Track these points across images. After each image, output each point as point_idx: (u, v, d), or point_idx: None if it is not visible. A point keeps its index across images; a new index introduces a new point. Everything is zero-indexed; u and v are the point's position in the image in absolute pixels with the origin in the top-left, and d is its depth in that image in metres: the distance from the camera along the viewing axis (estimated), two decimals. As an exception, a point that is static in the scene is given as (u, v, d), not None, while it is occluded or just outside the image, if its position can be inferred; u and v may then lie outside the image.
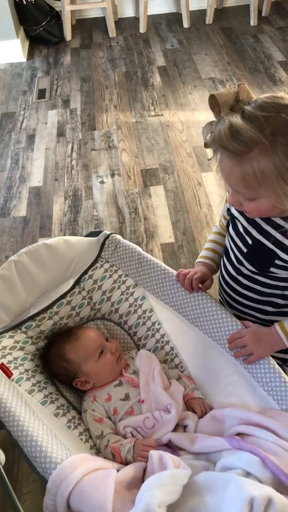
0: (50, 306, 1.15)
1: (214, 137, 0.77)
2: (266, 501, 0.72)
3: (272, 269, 0.94)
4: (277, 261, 0.92)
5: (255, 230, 0.94)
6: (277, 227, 0.89)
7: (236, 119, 0.74)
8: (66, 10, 3.28)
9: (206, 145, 0.80)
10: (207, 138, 0.79)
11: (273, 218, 0.90)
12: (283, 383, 0.93)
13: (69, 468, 0.78)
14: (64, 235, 2.03)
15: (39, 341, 1.15)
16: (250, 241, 0.96)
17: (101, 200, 2.21)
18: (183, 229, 2.04)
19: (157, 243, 1.99)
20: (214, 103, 0.78)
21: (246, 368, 0.99)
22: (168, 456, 0.84)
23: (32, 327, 1.14)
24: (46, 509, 0.80)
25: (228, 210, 1.01)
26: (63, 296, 1.17)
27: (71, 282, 1.19)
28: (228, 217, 1.03)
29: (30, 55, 3.36)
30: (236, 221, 0.98)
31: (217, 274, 1.14)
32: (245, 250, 0.98)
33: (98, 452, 1.00)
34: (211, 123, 0.79)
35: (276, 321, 0.98)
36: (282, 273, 0.94)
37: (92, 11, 3.66)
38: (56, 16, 3.41)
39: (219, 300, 1.18)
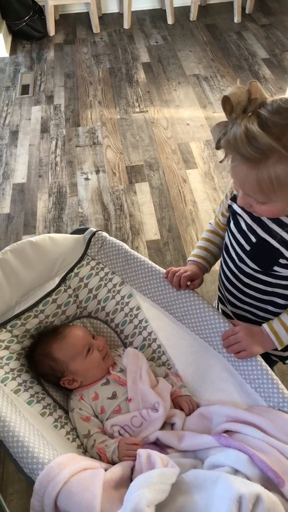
0: (36, 304, 1.14)
1: (228, 141, 0.74)
2: (255, 498, 0.71)
3: (275, 268, 0.92)
4: (281, 260, 0.90)
5: (260, 228, 0.91)
6: (283, 225, 0.88)
7: (253, 125, 0.71)
8: (49, 4, 3.24)
9: (218, 147, 0.78)
10: (222, 141, 0.76)
11: (280, 217, 0.88)
12: (270, 379, 0.93)
13: (57, 468, 0.77)
14: (49, 232, 2.01)
15: (25, 340, 1.13)
16: (254, 239, 0.93)
17: (86, 197, 2.19)
18: (168, 226, 2.04)
19: (143, 240, 1.98)
20: (227, 103, 0.74)
21: (234, 366, 0.99)
22: (156, 454, 0.83)
23: (18, 326, 1.12)
24: (33, 510, 0.79)
25: (230, 206, 0.98)
26: (49, 294, 1.15)
27: (57, 280, 1.17)
28: (228, 214, 1.01)
29: (13, 50, 3.31)
30: (239, 217, 0.96)
31: (218, 270, 1.12)
32: (248, 248, 0.95)
33: (85, 451, 0.99)
34: (221, 124, 0.76)
35: None
36: (285, 272, 0.92)
37: (76, 6, 3.62)
38: (39, 11, 3.36)
39: (219, 296, 1.16)
